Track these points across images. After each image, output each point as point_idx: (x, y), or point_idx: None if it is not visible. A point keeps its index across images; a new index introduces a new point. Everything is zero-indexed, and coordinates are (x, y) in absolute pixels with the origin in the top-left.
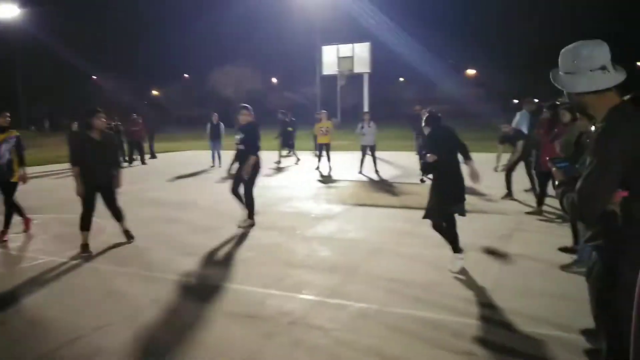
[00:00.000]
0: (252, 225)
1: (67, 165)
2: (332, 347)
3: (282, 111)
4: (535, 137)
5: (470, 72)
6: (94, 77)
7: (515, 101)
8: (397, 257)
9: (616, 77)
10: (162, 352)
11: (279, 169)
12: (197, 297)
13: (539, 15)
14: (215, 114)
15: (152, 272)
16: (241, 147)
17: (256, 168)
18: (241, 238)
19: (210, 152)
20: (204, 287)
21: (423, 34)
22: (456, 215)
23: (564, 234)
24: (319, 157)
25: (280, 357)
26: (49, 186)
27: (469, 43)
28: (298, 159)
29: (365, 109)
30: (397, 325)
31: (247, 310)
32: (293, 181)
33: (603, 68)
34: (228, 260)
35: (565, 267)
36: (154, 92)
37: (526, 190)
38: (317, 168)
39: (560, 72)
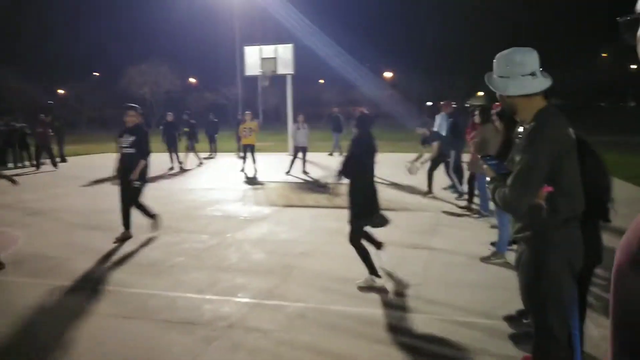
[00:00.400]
0: (156, 222)
1: None
2: (273, 348)
3: (187, 112)
4: (449, 139)
5: (387, 74)
6: None
7: (429, 103)
8: (330, 256)
9: (544, 82)
10: None
11: (200, 172)
12: (128, 308)
13: (450, 20)
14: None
15: (73, 283)
16: (130, 150)
17: (144, 174)
18: (168, 243)
19: None
20: (134, 296)
21: (342, 36)
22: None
23: (482, 228)
24: (244, 158)
25: None
26: None
27: (386, 46)
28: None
29: (289, 110)
30: (334, 323)
31: (183, 316)
32: (218, 184)
33: (533, 74)
34: (157, 267)
35: (484, 259)
36: (60, 91)
37: (444, 188)
38: (242, 170)
39: (494, 76)
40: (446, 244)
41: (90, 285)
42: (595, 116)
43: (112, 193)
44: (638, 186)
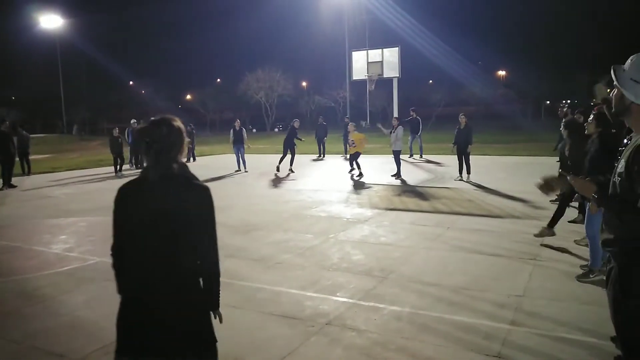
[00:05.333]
0: None
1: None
2: (367, 347)
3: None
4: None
5: (501, 72)
6: (131, 82)
7: (547, 102)
8: (427, 262)
9: None
10: None
11: (308, 173)
12: (237, 298)
13: (567, 7)
14: (237, 120)
15: None
16: None
17: None
18: (278, 241)
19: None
20: (244, 288)
21: (452, 35)
22: None
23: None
24: (350, 165)
25: (319, 355)
26: (92, 189)
27: (498, 43)
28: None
29: (395, 112)
30: (429, 328)
31: (285, 310)
32: (324, 185)
33: None
34: (266, 262)
35: (580, 278)
36: (188, 97)
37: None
38: (352, 175)
39: (627, 75)
40: (554, 256)
41: None
42: None
43: (233, 191)
44: None
